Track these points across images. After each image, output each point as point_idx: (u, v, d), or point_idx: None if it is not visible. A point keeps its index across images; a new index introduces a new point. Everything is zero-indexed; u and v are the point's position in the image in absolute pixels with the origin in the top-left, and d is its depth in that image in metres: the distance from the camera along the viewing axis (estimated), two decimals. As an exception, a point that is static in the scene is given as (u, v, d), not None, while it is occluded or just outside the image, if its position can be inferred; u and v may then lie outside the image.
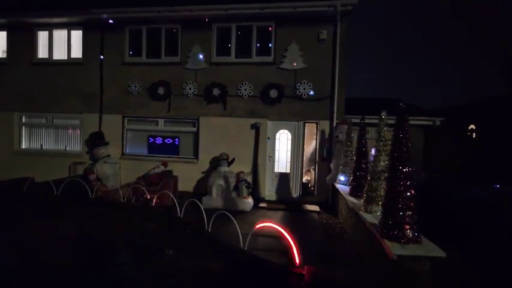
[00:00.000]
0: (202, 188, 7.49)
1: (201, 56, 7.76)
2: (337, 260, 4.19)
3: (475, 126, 15.66)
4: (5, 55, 8.94)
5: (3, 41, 8.93)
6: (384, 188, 3.73)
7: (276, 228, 3.53)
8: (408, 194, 3.00)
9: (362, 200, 4.37)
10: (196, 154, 8.04)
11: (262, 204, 7.20)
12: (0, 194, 5.80)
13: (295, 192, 7.74)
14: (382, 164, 4.03)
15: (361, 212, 4.17)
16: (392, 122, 3.35)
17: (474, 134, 15.68)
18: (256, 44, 7.72)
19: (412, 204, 2.99)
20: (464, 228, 5.63)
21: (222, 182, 6.89)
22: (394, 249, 2.86)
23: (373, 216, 3.90)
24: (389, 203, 3.11)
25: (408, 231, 2.95)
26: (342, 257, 4.31)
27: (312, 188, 7.80)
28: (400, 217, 2.98)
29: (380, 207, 3.70)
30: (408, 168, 3.05)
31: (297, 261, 3.23)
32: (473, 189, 8.84)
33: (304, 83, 7.38)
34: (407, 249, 2.86)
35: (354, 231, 4.80)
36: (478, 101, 15.55)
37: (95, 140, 8.04)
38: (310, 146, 7.96)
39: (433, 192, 7.64)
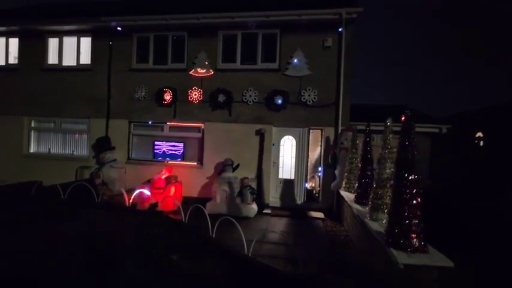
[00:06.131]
0: (206, 193, 7.51)
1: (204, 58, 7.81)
2: (342, 268, 4.14)
3: (482, 133, 15.45)
4: (16, 61, 9.18)
5: (15, 47, 9.18)
6: (389, 195, 3.70)
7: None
8: (414, 202, 2.97)
9: (367, 208, 4.33)
10: (201, 159, 8.07)
11: (266, 211, 7.17)
12: (9, 197, 5.89)
13: (300, 199, 7.70)
14: (387, 171, 4.00)
15: (366, 220, 4.13)
16: (398, 129, 3.34)
17: (482, 142, 15.46)
18: (262, 51, 7.80)
19: (419, 213, 2.96)
20: (472, 238, 5.52)
21: (226, 188, 6.89)
22: (400, 258, 2.82)
23: (378, 224, 3.86)
24: (395, 211, 3.07)
25: (415, 240, 2.91)
26: (347, 265, 4.25)
27: (317, 195, 7.75)
28: (406, 225, 2.95)
29: (386, 215, 3.66)
30: (414, 176, 3.02)
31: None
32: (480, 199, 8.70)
33: (309, 89, 7.41)
34: (413, 259, 2.82)
35: (359, 239, 4.75)
36: (486, 108, 15.37)
37: (102, 145, 8.15)
38: (315, 153, 7.94)
39: (440, 201, 7.53)
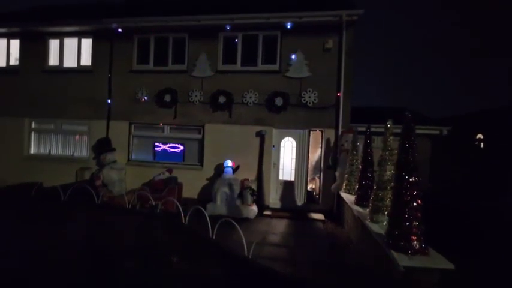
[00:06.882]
0: (206, 194, 7.50)
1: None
2: (342, 270, 4.12)
3: (482, 135, 15.45)
4: (17, 62, 9.20)
5: (16, 48, 9.20)
6: (390, 197, 3.69)
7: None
8: (415, 204, 2.96)
9: (368, 210, 4.32)
10: (201, 161, 8.07)
11: (266, 212, 7.16)
12: (9, 198, 5.89)
13: (300, 200, 7.69)
14: (388, 173, 4.00)
15: (367, 222, 4.12)
16: (399, 130, 3.34)
17: (482, 144, 15.46)
18: (262, 53, 7.81)
19: (419, 215, 2.95)
20: (473, 239, 5.51)
21: (226, 189, 6.89)
22: (401, 260, 2.81)
23: (379, 226, 3.85)
24: (396, 213, 3.07)
25: (415, 242, 2.90)
26: (347, 267, 4.24)
27: (317, 197, 7.74)
28: (406, 228, 2.94)
29: (386, 217, 3.66)
30: (415, 178, 3.01)
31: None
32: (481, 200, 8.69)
33: (309, 91, 7.42)
34: (414, 261, 2.81)
35: (360, 241, 4.74)
36: (486, 110, 15.39)
37: (102, 146, 8.15)
38: (315, 154, 7.93)
39: (441, 202, 7.52)
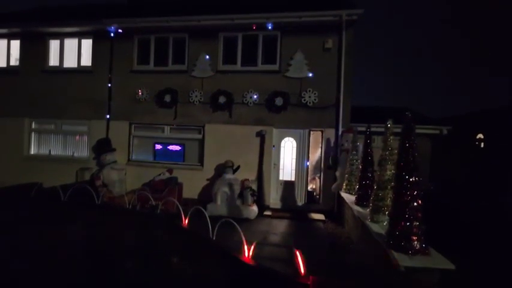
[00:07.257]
0: (207, 195, 7.49)
1: (207, 57, 7.89)
2: (342, 270, 4.12)
3: (483, 135, 15.43)
4: (17, 63, 9.20)
5: (16, 49, 9.20)
6: (390, 197, 3.69)
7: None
8: (415, 204, 2.96)
9: (368, 209, 4.31)
10: (201, 161, 8.07)
11: (267, 212, 7.16)
12: (9, 198, 5.88)
13: (300, 201, 7.68)
14: (388, 173, 3.99)
15: (367, 222, 4.12)
16: (399, 130, 3.33)
17: (482, 144, 15.44)
18: (262, 53, 7.81)
19: (420, 215, 2.95)
20: (473, 239, 5.49)
21: (227, 190, 6.88)
22: (402, 260, 2.81)
23: (379, 226, 3.84)
24: (396, 213, 3.06)
25: (416, 242, 2.90)
26: (347, 266, 4.24)
27: (317, 197, 7.74)
28: (407, 228, 2.94)
29: (386, 217, 3.65)
30: (415, 178, 3.01)
31: (302, 271, 3.18)
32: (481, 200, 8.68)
33: (309, 91, 7.42)
34: (414, 261, 2.80)
35: (360, 241, 4.73)
36: (486, 110, 15.37)
37: (102, 146, 8.14)
38: (316, 154, 7.93)
39: (441, 202, 7.51)
